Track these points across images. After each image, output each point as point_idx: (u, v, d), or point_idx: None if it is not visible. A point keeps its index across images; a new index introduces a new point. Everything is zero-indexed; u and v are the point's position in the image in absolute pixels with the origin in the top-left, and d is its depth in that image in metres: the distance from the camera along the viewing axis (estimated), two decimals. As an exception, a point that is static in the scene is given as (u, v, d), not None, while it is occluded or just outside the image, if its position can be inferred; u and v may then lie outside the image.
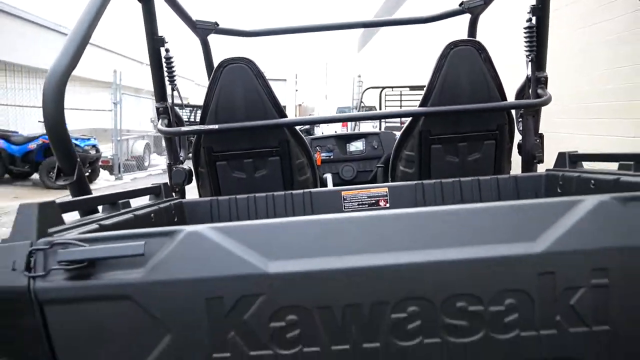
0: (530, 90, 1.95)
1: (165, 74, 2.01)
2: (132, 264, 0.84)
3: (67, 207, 1.07)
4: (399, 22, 3.00)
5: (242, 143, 1.98)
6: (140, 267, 0.84)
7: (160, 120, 2.04)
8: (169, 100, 2.08)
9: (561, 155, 1.68)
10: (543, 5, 1.85)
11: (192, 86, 24.45)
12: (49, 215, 0.95)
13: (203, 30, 2.37)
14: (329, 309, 0.82)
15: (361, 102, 9.34)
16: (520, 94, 2.06)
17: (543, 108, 1.96)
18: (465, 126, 1.92)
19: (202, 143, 1.99)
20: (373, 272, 0.82)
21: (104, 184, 11.82)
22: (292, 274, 0.82)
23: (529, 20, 1.89)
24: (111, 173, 12.94)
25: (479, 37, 2.23)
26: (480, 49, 1.85)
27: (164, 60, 1.99)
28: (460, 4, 2.38)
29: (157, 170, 14.82)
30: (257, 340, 0.83)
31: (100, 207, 1.32)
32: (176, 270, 0.83)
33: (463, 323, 0.82)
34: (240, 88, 1.90)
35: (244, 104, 1.90)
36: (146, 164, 14.85)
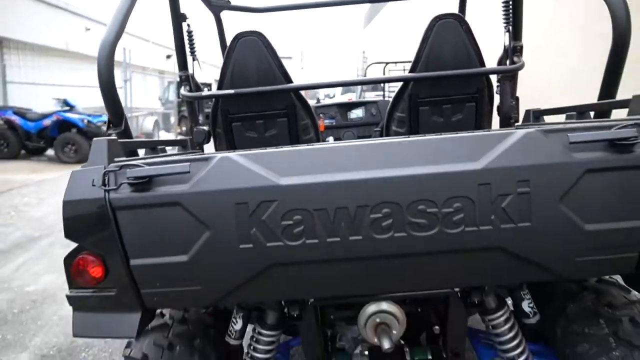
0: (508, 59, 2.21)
1: (187, 46, 2.28)
2: (180, 180, 1.14)
3: (123, 145, 1.37)
4: None
5: (254, 106, 2.25)
6: (186, 182, 1.14)
7: (182, 87, 2.32)
8: (190, 70, 2.36)
9: (527, 113, 1.95)
10: None
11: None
12: (114, 148, 1.25)
13: (217, 6, 2.64)
14: (325, 210, 1.12)
15: (365, 77, 9.55)
16: (501, 62, 2.32)
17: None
18: (449, 90, 2.18)
19: (219, 106, 2.27)
20: (357, 184, 1.11)
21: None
22: (298, 185, 1.11)
23: None
24: (122, 149, 13.28)
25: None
26: (462, 21, 2.10)
27: (185, 34, 2.26)
28: None
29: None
30: (272, 234, 1.13)
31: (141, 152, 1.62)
32: (213, 184, 1.13)
33: (423, 221, 1.11)
34: (252, 58, 2.17)
35: (256, 72, 2.17)
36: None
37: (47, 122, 11.02)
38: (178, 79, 2.40)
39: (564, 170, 1.10)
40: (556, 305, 1.52)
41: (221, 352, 1.57)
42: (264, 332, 1.51)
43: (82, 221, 1.17)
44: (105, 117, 11.73)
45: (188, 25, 2.25)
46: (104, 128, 9.16)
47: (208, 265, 1.15)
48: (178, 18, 2.18)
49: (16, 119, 11.02)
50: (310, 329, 1.41)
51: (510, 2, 2.14)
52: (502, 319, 1.47)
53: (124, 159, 1.25)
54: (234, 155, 1.15)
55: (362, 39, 29.78)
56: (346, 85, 2.32)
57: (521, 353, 1.51)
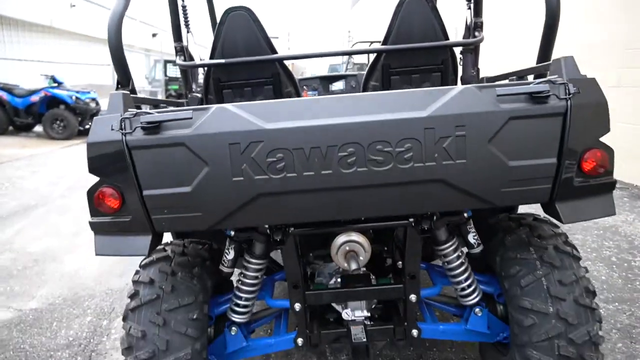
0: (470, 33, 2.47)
1: (181, 18, 2.51)
2: (184, 125, 1.39)
3: (134, 100, 1.61)
4: None
5: (243, 74, 2.49)
6: (189, 127, 1.39)
7: (177, 57, 2.55)
8: (184, 41, 2.59)
9: (481, 80, 2.22)
10: None
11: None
12: (128, 101, 1.49)
13: None
14: (302, 150, 1.38)
15: (350, 57, 9.74)
16: (464, 37, 2.58)
17: None
18: (417, 60, 2.44)
19: (211, 75, 2.50)
20: (327, 128, 1.37)
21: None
22: (280, 129, 1.37)
23: None
24: (110, 126, 13.35)
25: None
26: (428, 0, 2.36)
27: (180, 7, 2.48)
28: None
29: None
30: (259, 169, 1.39)
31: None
32: (211, 128, 1.38)
33: (380, 158, 1.38)
34: (241, 31, 2.40)
35: (244, 44, 2.40)
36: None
37: (34, 98, 11.06)
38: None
39: (492, 117, 1.37)
40: (497, 238, 1.81)
41: (216, 279, 1.84)
42: (252, 260, 1.78)
43: (103, 159, 1.42)
44: (93, 94, 11.85)
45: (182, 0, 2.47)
46: (92, 104, 9.28)
47: (207, 195, 1.41)
48: None
49: (3, 94, 11.05)
50: (291, 255, 1.69)
51: (472, -17, 2.39)
52: (451, 249, 1.77)
53: (135, 110, 1.50)
54: (228, 105, 1.41)
55: (349, 19, 29.77)
56: (323, 56, 2.55)
57: (467, 278, 1.81)
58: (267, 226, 1.69)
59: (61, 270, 3.59)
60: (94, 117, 1.47)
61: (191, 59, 2.68)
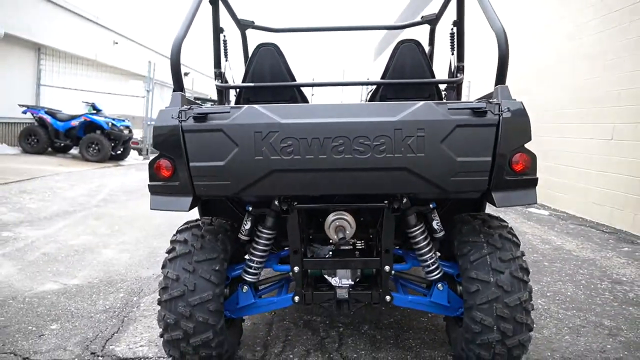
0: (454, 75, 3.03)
1: (222, 51, 3.13)
2: (223, 117, 1.94)
3: (187, 100, 2.17)
4: (377, 28, 4.11)
5: (267, 96, 3.07)
6: (226, 118, 1.93)
7: (216, 80, 3.16)
8: (222, 68, 3.20)
9: None
10: (460, 21, 2.93)
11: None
12: (183, 99, 2.06)
13: (244, 25, 3.50)
14: (305, 139, 1.90)
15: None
16: (450, 77, 3.14)
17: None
18: (408, 93, 3.00)
19: (242, 95, 3.09)
20: (325, 125, 1.90)
21: (133, 162, 13.03)
22: (291, 123, 1.91)
23: (452, 30, 2.97)
24: (139, 154, 14.18)
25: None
26: (419, 45, 2.94)
27: (221, 42, 3.10)
28: (421, 17, 3.48)
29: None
30: (274, 151, 1.91)
31: None
32: (242, 120, 1.92)
33: (361, 149, 1.90)
34: (268, 62, 3.00)
35: (270, 72, 3.00)
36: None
37: (75, 122, 11.96)
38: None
39: (444, 124, 1.89)
40: (456, 228, 2.28)
41: (235, 245, 2.34)
42: (264, 230, 2.28)
43: (164, 138, 1.97)
44: (127, 123, 12.73)
45: (224, 36, 3.10)
46: (126, 132, 10.14)
47: (235, 168, 1.93)
48: (217, 30, 3.02)
49: (47, 117, 11.96)
50: (294, 225, 2.18)
51: (455, 35, 2.97)
52: (419, 231, 2.25)
53: (189, 105, 2.06)
54: (255, 106, 1.96)
55: (372, 71, 30.99)
56: (333, 85, 3.14)
57: (431, 257, 2.28)
58: (276, 202, 2.20)
59: (98, 259, 4.11)
60: (160, 110, 2.03)
61: (226, 81, 3.28)
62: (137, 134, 14.01)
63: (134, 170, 11.10)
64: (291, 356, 2.48)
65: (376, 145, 1.90)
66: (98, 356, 2.45)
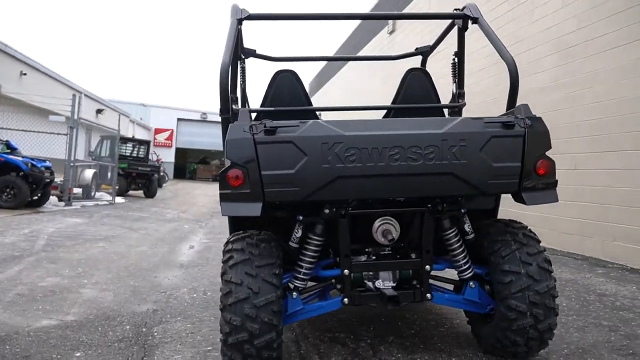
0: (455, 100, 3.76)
1: (239, 80, 3.66)
2: (292, 130, 2.47)
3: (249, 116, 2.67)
4: (372, 58, 4.84)
5: (284, 119, 3.61)
6: (295, 132, 2.47)
7: (233, 104, 3.68)
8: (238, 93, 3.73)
9: None
10: (460, 52, 3.69)
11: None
12: (249, 117, 2.57)
13: (247, 53, 4.09)
14: (367, 149, 2.47)
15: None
16: (452, 102, 3.87)
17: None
18: (417, 117, 3.67)
19: (261, 118, 3.61)
20: (383, 136, 2.48)
21: (54, 208, 12.79)
22: (354, 135, 2.47)
23: (454, 59, 3.72)
24: (59, 199, 13.89)
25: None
26: (426, 73, 3.65)
27: (239, 72, 3.64)
28: (415, 49, 4.25)
29: (103, 202, 15.87)
30: (339, 160, 2.46)
31: None
32: (310, 132, 2.47)
33: (414, 157, 2.49)
34: (287, 87, 3.57)
35: (288, 97, 3.56)
36: (93, 193, 15.87)
37: (-16, 165, 11.61)
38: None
39: (482, 136, 2.54)
40: (484, 230, 2.91)
41: (285, 251, 2.81)
42: (314, 237, 2.79)
43: (238, 149, 2.46)
44: (48, 164, 12.55)
45: (243, 68, 3.65)
46: (47, 173, 10.21)
47: (304, 176, 2.45)
48: (237, 54, 3.58)
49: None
50: (345, 230, 2.71)
51: (457, 64, 3.72)
52: (452, 234, 2.85)
53: (261, 121, 2.56)
54: (319, 120, 2.52)
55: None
56: (346, 110, 3.79)
57: (464, 258, 2.88)
58: (327, 210, 2.71)
59: (82, 298, 4.33)
60: (231, 125, 2.53)
61: (243, 105, 3.81)
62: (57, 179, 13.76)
63: (61, 216, 10.97)
64: (334, 362, 2.93)
65: (427, 154, 2.51)
66: (144, 373, 2.77)
